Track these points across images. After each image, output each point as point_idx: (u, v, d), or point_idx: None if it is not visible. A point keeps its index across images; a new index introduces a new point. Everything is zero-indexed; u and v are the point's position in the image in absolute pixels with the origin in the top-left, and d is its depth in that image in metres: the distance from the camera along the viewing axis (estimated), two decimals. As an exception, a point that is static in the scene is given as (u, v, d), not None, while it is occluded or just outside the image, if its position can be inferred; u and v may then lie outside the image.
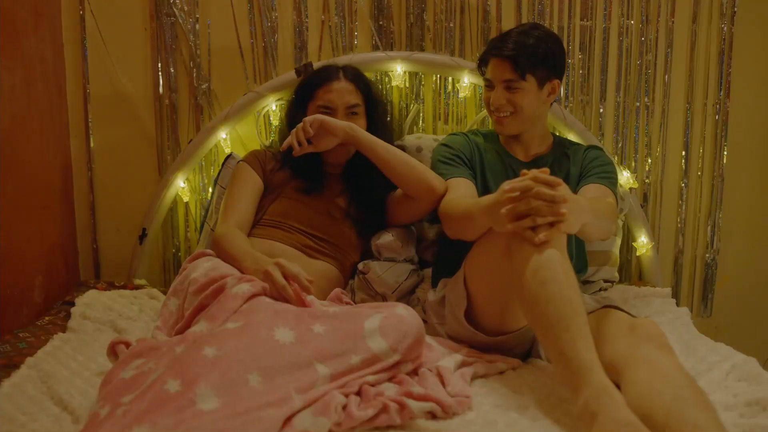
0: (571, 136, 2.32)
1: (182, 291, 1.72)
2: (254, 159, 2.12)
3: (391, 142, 2.17)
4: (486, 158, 2.01)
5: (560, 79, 1.99)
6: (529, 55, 1.89)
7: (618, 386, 1.31)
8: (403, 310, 1.52)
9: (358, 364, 1.41)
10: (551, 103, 2.04)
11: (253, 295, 1.56)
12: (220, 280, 1.63)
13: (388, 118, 2.24)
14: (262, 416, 1.22)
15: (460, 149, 2.00)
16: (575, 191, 1.92)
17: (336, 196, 2.11)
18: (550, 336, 1.37)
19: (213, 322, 1.48)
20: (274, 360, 1.32)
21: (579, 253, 2.02)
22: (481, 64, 1.99)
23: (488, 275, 1.65)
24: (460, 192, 1.88)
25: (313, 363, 1.36)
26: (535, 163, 2.01)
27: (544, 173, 1.50)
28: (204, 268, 1.73)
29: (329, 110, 2.04)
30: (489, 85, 1.98)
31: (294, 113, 2.11)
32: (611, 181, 1.95)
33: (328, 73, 2.10)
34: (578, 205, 1.53)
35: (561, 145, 2.08)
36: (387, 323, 1.47)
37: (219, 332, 1.38)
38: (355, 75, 2.12)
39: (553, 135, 2.12)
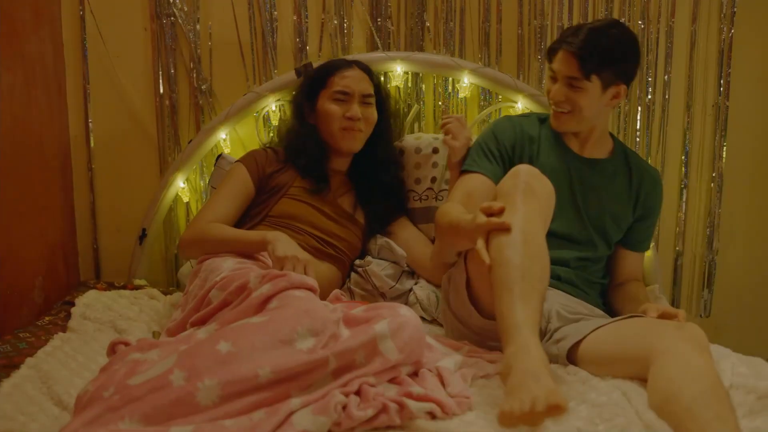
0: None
1: (198, 295, 1.69)
2: (252, 162, 2.06)
3: (390, 141, 2.18)
4: (542, 148, 1.92)
5: (627, 84, 1.88)
6: (598, 56, 1.79)
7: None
8: (406, 311, 1.51)
9: (362, 361, 1.40)
10: (613, 107, 1.94)
11: (274, 294, 1.53)
12: (244, 278, 1.60)
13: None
14: (261, 415, 1.22)
15: (503, 141, 1.92)
16: (623, 214, 1.94)
17: (340, 197, 2.12)
18: (496, 298, 1.44)
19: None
20: (287, 361, 1.29)
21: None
22: (551, 53, 1.88)
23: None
24: (468, 187, 1.86)
25: (328, 365, 1.34)
26: (594, 166, 1.93)
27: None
28: (226, 268, 1.70)
29: (346, 95, 2.04)
30: (553, 77, 1.88)
31: (302, 104, 2.12)
32: (651, 239, 2.08)
33: (340, 63, 2.12)
34: None
35: (623, 154, 2.00)
36: (393, 324, 1.46)
37: (238, 327, 1.36)
38: (366, 68, 2.14)
39: (613, 138, 2.03)
